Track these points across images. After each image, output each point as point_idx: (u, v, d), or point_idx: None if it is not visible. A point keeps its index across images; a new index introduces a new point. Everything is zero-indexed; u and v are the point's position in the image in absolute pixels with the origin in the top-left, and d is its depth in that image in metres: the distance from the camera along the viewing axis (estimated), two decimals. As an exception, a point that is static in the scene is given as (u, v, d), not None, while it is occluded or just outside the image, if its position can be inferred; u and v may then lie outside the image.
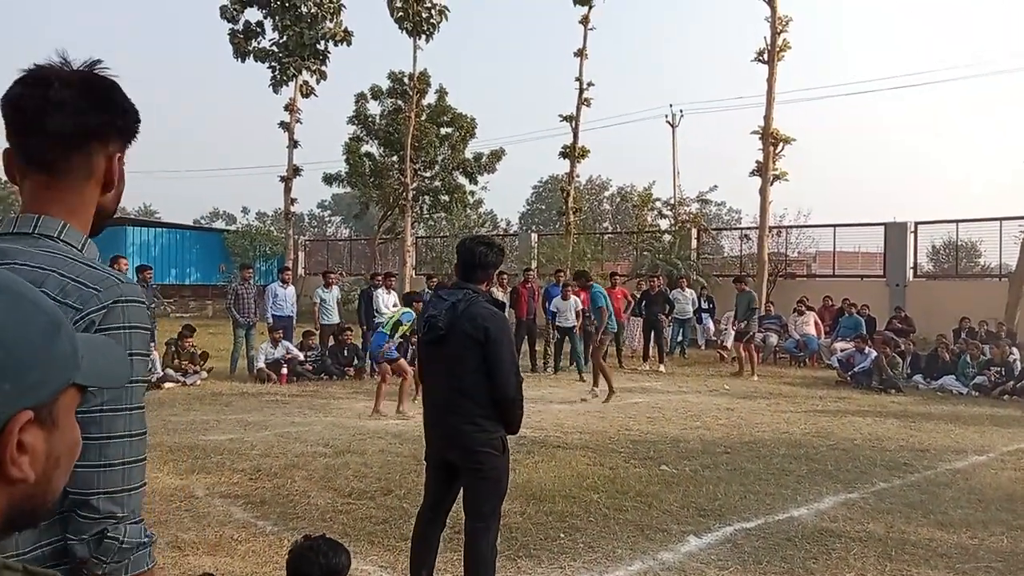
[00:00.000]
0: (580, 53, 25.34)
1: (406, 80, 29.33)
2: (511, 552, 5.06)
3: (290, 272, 15.86)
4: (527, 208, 72.61)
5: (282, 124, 30.38)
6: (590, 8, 25.06)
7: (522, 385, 3.94)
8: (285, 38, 29.25)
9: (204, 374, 12.98)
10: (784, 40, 20.77)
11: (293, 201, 31.38)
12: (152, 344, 12.72)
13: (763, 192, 20.91)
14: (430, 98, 30.87)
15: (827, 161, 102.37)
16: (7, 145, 1.43)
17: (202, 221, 69.51)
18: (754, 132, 21.10)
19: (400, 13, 26.38)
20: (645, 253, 24.24)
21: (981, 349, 14.13)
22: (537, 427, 9.40)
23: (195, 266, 32.45)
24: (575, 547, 5.26)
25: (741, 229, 25.93)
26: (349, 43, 30.08)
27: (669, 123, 33.56)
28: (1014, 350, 13.97)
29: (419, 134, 29.06)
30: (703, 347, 19.39)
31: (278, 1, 28.69)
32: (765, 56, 20.92)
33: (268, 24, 29.61)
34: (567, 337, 15.16)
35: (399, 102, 30.43)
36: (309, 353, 13.80)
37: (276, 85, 29.93)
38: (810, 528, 5.73)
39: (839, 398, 12.64)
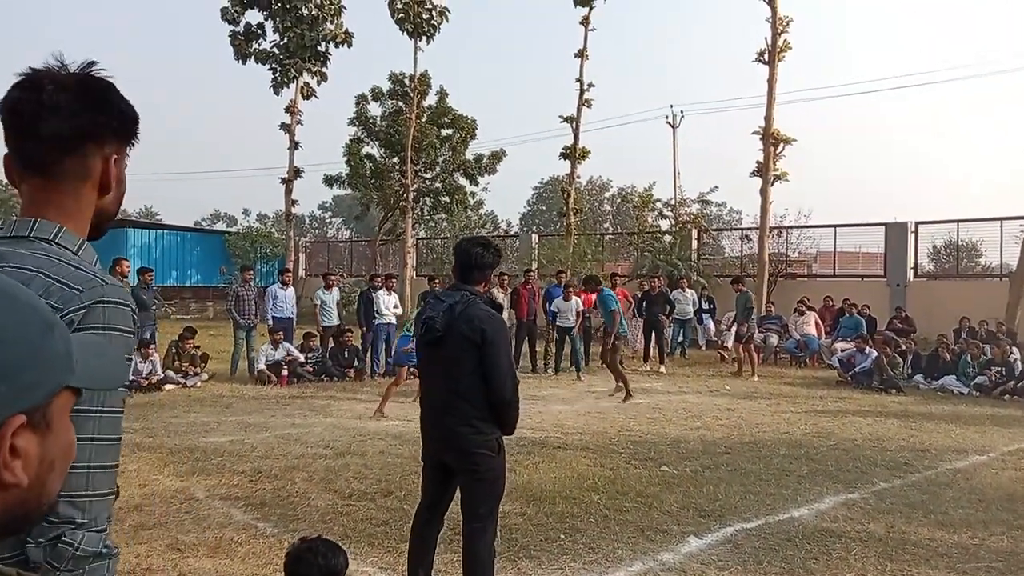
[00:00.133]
0: (580, 54, 25.35)
1: (407, 81, 29.34)
2: (511, 553, 5.06)
3: (290, 274, 15.86)
4: (528, 209, 72.68)
5: (283, 126, 30.39)
6: (590, 9, 25.07)
7: (518, 387, 3.95)
8: (286, 40, 29.26)
9: (205, 376, 12.99)
10: (785, 40, 20.78)
11: (294, 203, 31.39)
12: (153, 346, 12.78)
13: (764, 192, 20.91)
14: (431, 99, 30.89)
15: (828, 161, 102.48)
16: (7, 150, 1.44)
17: (203, 223, 69.54)
18: (755, 132, 21.11)
19: (401, 14, 26.40)
20: (646, 254, 24.24)
21: (982, 349, 14.13)
22: (537, 428, 9.41)
23: (196, 268, 32.49)
24: (575, 548, 5.26)
25: (742, 229, 25.95)
26: (350, 45, 30.10)
27: (670, 124, 33.59)
28: (1014, 350, 13.97)
29: (420, 135, 29.07)
30: (704, 348, 19.39)
31: (279, 3, 28.70)
32: (766, 56, 20.92)
33: (269, 26, 29.64)
34: (567, 338, 15.18)
35: (400, 103, 30.45)
36: (310, 355, 13.80)
37: (277, 87, 29.95)
38: (810, 528, 5.73)
39: (840, 398, 12.64)
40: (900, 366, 14.18)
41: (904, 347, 15.15)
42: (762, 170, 20.83)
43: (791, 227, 23.06)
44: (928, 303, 18.82)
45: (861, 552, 5.24)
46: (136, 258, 25.73)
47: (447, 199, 32.21)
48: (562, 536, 5.47)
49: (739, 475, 7.29)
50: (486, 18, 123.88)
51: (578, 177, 27.70)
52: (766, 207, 21.04)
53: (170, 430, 9.01)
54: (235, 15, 29.41)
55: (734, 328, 15.66)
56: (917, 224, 20.97)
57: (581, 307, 15.15)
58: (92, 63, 1.41)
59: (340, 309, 15.01)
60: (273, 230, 38.21)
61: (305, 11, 28.84)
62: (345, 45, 30.05)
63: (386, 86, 31.08)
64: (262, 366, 13.10)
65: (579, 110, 25.54)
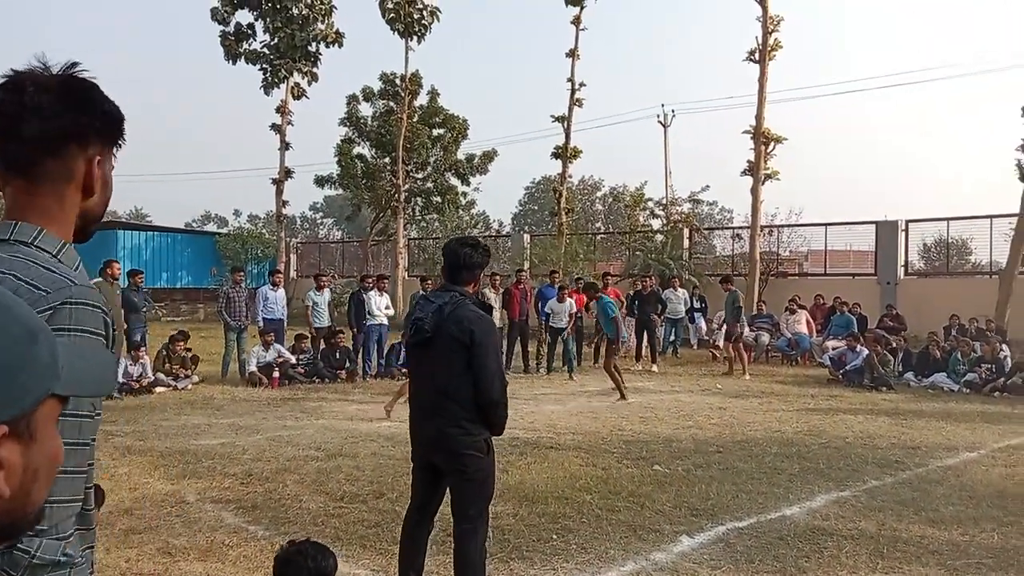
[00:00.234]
0: (572, 54, 25.39)
1: (398, 81, 29.33)
2: (503, 554, 5.06)
3: (281, 275, 15.80)
4: (520, 209, 72.72)
5: (274, 126, 30.33)
6: (581, 8, 25.11)
7: (507, 388, 3.94)
8: (276, 40, 29.20)
9: (195, 378, 12.94)
10: (775, 40, 20.86)
11: (285, 203, 31.33)
12: (144, 348, 12.73)
13: (754, 191, 20.99)
14: (422, 99, 30.90)
15: (819, 160, 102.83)
16: None
17: (193, 224, 69.50)
18: (745, 132, 21.17)
19: (392, 14, 26.40)
20: (637, 253, 24.28)
21: (972, 346, 14.20)
22: (530, 428, 9.40)
23: (186, 269, 32.39)
24: (568, 548, 5.25)
25: (733, 228, 26.02)
26: (340, 45, 30.06)
27: (661, 123, 33.59)
28: (1004, 347, 14.05)
29: (411, 135, 29.06)
30: (695, 347, 19.41)
31: (269, 3, 28.64)
32: (756, 56, 20.99)
33: (259, 26, 29.58)
34: (559, 338, 15.19)
35: (391, 103, 30.44)
36: (301, 356, 13.75)
37: (267, 87, 29.89)
38: (802, 527, 5.74)
39: (831, 396, 12.68)
40: (891, 364, 14.23)
41: (895, 345, 15.21)
42: (753, 169, 20.90)
43: (782, 226, 23.15)
44: (918, 301, 18.90)
45: (853, 550, 5.25)
46: (126, 260, 25.63)
47: (439, 199, 32.21)
48: (555, 536, 5.46)
49: (731, 474, 7.30)
50: (477, 18, 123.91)
51: (570, 177, 27.76)
52: (757, 206, 21.12)
53: (160, 433, 8.97)
54: (225, 15, 29.33)
55: (724, 327, 15.74)
56: (907, 222, 21.07)
57: (574, 308, 15.19)
58: (74, 64, 1.39)
59: (331, 310, 14.97)
60: (264, 231, 38.18)
61: (295, 11, 28.79)
62: (336, 45, 30.01)
63: (377, 86, 31.07)
64: (253, 368, 13.05)
65: (570, 110, 25.58)
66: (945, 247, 23.11)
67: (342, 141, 31.47)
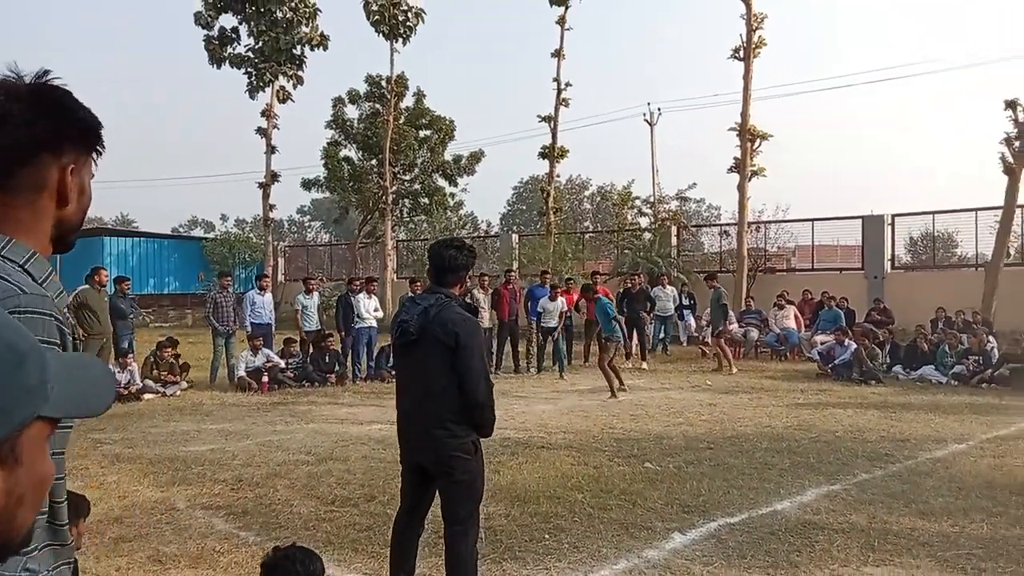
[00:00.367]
0: (557, 53, 25.42)
1: (383, 83, 29.28)
2: (496, 555, 5.05)
3: (268, 279, 15.74)
4: (508, 209, 72.67)
5: (259, 130, 30.21)
6: (566, 8, 25.14)
7: (492, 390, 3.94)
8: (261, 43, 29.09)
9: (184, 384, 12.87)
10: (760, 37, 20.93)
11: (272, 207, 31.22)
12: (131, 355, 12.67)
13: (741, 188, 21.06)
14: (408, 101, 30.84)
15: (805, 156, 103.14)
16: None
17: (180, 229, 69.12)
18: (731, 129, 21.24)
19: (376, 16, 26.36)
20: (626, 251, 24.32)
21: (959, 339, 14.28)
22: (521, 428, 9.40)
23: (174, 275, 32.22)
24: (560, 548, 5.25)
25: (721, 225, 26.09)
26: (325, 47, 29.98)
27: (647, 121, 33.62)
28: (991, 339, 14.14)
29: (397, 137, 29.01)
30: (685, 343, 19.46)
31: (253, 7, 28.54)
32: (741, 53, 21.06)
33: (243, 30, 29.47)
34: (549, 337, 15.20)
35: (377, 105, 30.37)
36: (290, 360, 13.71)
37: (252, 91, 29.78)
38: (793, 521, 5.76)
39: (820, 391, 12.73)
40: (879, 357, 14.30)
41: (881, 337, 15.28)
42: (739, 166, 20.97)
43: (769, 222, 23.25)
44: (906, 294, 19.01)
45: (844, 543, 5.27)
46: (113, 266, 25.46)
47: (426, 201, 32.17)
48: (547, 536, 5.46)
49: (722, 470, 7.32)
50: (462, 19, 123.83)
51: (557, 176, 27.78)
52: (744, 203, 21.19)
53: (149, 440, 8.92)
54: (208, 19, 29.22)
55: (723, 324, 15.87)
56: (894, 216, 21.19)
57: (565, 307, 15.23)
58: (46, 72, 1.37)
59: (320, 313, 14.93)
60: (251, 235, 38.02)
61: (280, 14, 28.70)
62: (321, 48, 29.93)
63: (363, 88, 30.99)
64: (242, 373, 12.99)
65: (557, 109, 25.61)
66: (931, 240, 23.23)
67: (328, 144, 31.38)
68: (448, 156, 32.04)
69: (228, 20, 29.52)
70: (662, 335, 18.50)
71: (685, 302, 19.64)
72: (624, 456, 7.90)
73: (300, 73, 30.04)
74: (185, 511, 6.15)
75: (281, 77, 29.72)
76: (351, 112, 31.65)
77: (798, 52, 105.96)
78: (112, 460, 7.78)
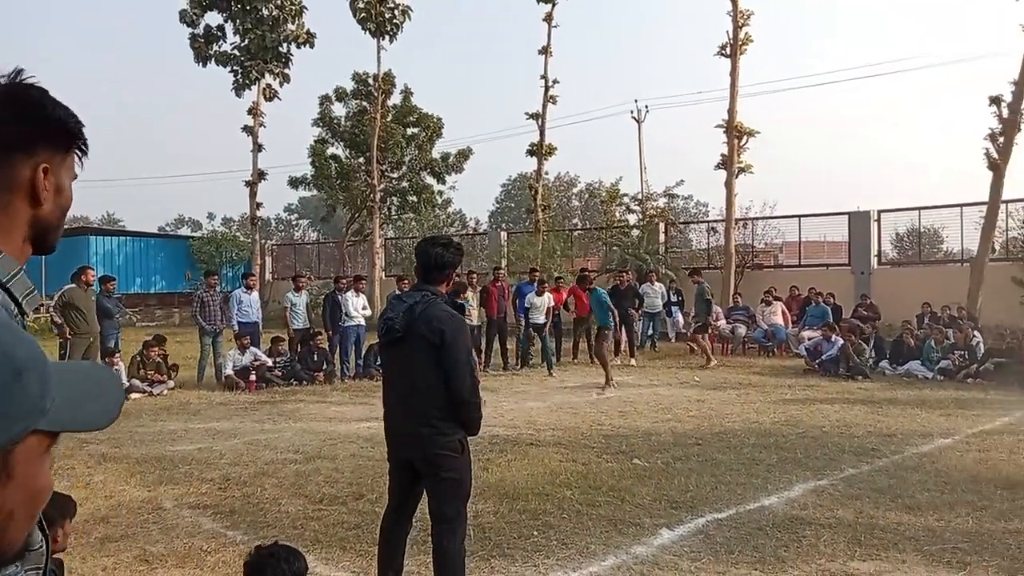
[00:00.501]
0: (545, 51, 25.41)
1: (370, 81, 29.19)
2: (484, 552, 5.05)
3: (255, 278, 15.67)
4: (496, 206, 72.65)
5: (246, 128, 30.08)
6: (553, 5, 25.13)
7: (478, 388, 3.94)
8: (247, 41, 28.97)
9: (171, 383, 12.81)
10: (746, 34, 20.99)
11: (259, 205, 31.10)
12: (118, 354, 12.60)
13: (728, 185, 21.13)
14: (395, 98, 30.77)
15: (791, 153, 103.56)
16: None
17: (167, 228, 68.78)
18: (718, 126, 21.30)
19: (363, 14, 26.26)
20: (614, 248, 24.36)
21: (945, 334, 14.37)
22: (510, 425, 9.41)
23: (160, 274, 32.07)
24: (549, 544, 5.25)
25: (708, 222, 26.16)
26: (312, 45, 29.87)
27: (635, 118, 33.67)
28: (976, 334, 14.23)
29: (385, 135, 28.93)
30: (673, 340, 19.52)
31: (238, 4, 28.40)
32: (728, 50, 21.11)
33: (229, 28, 29.33)
34: (538, 334, 15.20)
35: (364, 103, 30.28)
36: (278, 359, 13.66)
37: (239, 89, 29.65)
38: (781, 516, 5.78)
39: (807, 386, 12.79)
40: (865, 353, 14.38)
41: (866, 332, 15.37)
42: (726, 163, 21.03)
43: (757, 218, 23.33)
44: (892, 290, 19.12)
45: (831, 538, 5.30)
46: (99, 266, 25.29)
47: (414, 198, 32.11)
48: (535, 533, 5.46)
49: (710, 466, 7.34)
50: (449, 16, 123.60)
51: (546, 173, 27.79)
52: (731, 199, 21.26)
53: (136, 440, 8.87)
54: (194, 17, 29.06)
55: (705, 319, 15.94)
56: (880, 212, 21.29)
57: (551, 303, 15.25)
58: (20, 71, 1.35)
59: (309, 312, 14.89)
60: (238, 234, 37.85)
61: (265, 12, 28.57)
62: (307, 46, 29.82)
63: (350, 86, 30.90)
64: (229, 372, 12.94)
65: (544, 107, 25.61)
66: (917, 236, 23.37)
67: (315, 142, 31.29)
68: (436, 154, 32.00)
69: (213, 18, 29.41)
70: (650, 332, 18.54)
71: (673, 299, 19.69)
72: (612, 452, 7.92)
73: (286, 71, 29.94)
74: (172, 510, 6.12)
75: (267, 75, 29.61)
76: (338, 110, 31.59)
77: (785, 49, 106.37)
78: (98, 460, 7.73)
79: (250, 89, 29.63)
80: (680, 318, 19.66)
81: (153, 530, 5.63)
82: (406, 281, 15.52)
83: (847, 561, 4.91)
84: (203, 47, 29.28)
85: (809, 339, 15.45)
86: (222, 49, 29.59)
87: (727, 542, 5.26)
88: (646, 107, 33.64)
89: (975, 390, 12.21)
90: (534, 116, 25.75)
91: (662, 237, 24.07)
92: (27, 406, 0.79)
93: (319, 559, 5.01)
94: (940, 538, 5.29)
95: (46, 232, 1.42)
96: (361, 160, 30.56)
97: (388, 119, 29.51)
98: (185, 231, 62.76)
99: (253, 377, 12.90)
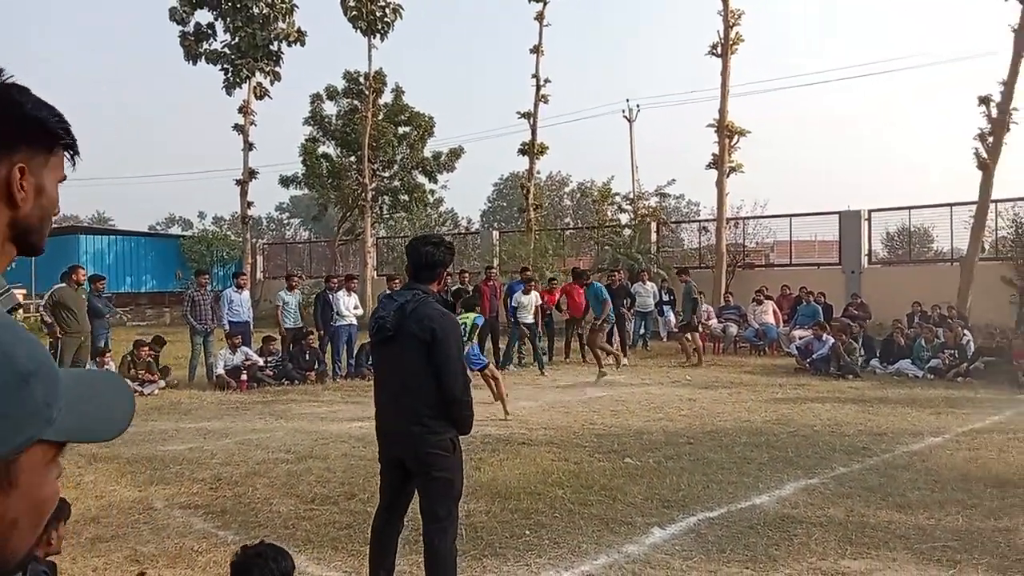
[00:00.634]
0: (536, 50, 25.41)
1: (362, 80, 29.12)
2: (476, 551, 5.05)
3: (245, 277, 15.61)
4: (488, 206, 72.59)
5: (236, 127, 30.00)
6: (544, 5, 25.14)
7: (469, 386, 3.94)
8: (237, 39, 28.90)
9: (162, 383, 12.76)
10: (737, 33, 21.03)
11: (250, 204, 31.03)
12: (109, 353, 12.55)
13: (720, 184, 21.17)
14: (387, 97, 30.72)
15: (782, 152, 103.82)
16: None
17: (158, 227, 68.42)
18: (709, 125, 21.33)
19: (354, 12, 26.20)
20: (606, 248, 24.39)
21: (935, 333, 14.43)
22: (502, 424, 9.41)
23: (151, 273, 31.96)
24: (540, 544, 5.25)
25: (700, 221, 26.21)
26: (303, 43, 29.82)
27: (626, 118, 33.75)
28: (966, 332, 14.29)
29: (376, 134, 28.88)
30: (665, 339, 19.55)
31: (229, 2, 28.32)
32: (719, 50, 21.15)
33: (219, 26, 29.25)
34: (529, 334, 15.20)
35: (355, 102, 30.22)
36: (269, 358, 13.62)
37: (229, 87, 29.59)
38: (772, 515, 5.80)
39: (798, 385, 12.83)
40: (856, 352, 14.43)
41: (855, 330, 15.43)
42: (717, 162, 21.07)
43: (748, 218, 23.39)
44: (882, 289, 19.20)
45: (822, 537, 5.32)
46: (89, 265, 25.12)
47: (406, 197, 32.06)
48: (527, 532, 5.47)
49: (701, 465, 7.36)
50: (441, 14, 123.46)
51: (537, 173, 27.82)
52: (722, 199, 21.31)
53: (127, 439, 8.81)
54: (184, 15, 28.98)
55: (694, 319, 16.00)
56: (870, 212, 21.37)
57: (539, 301, 15.25)
58: (0, 71, 1.34)
59: (301, 311, 14.86)
60: (229, 233, 37.73)
61: (256, 10, 28.51)
62: (298, 44, 29.78)
63: (341, 85, 30.83)
64: (221, 371, 12.91)
65: (536, 106, 25.62)
66: (907, 236, 23.49)
67: (307, 140, 31.21)
68: (428, 153, 31.97)
69: (204, 16, 29.33)
70: (642, 331, 18.58)
71: (665, 298, 19.72)
72: (604, 452, 7.92)
73: (277, 69, 29.89)
74: (163, 510, 6.11)
75: (258, 73, 29.56)
76: (329, 108, 31.52)
77: (776, 48, 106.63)
78: (89, 460, 7.69)
79: (241, 87, 29.58)
80: (672, 317, 19.68)
81: (144, 530, 5.62)
82: (396, 280, 15.48)
83: (838, 559, 4.93)
84: (193, 45, 29.20)
85: (800, 338, 15.49)
86: (212, 47, 29.52)
87: (718, 541, 5.27)
88: (637, 106, 33.76)
89: (965, 389, 12.27)
90: (526, 115, 25.76)
91: (654, 236, 24.12)
92: (33, 414, 0.78)
93: (311, 559, 5.01)
94: (930, 536, 5.32)
95: (27, 234, 1.40)
96: (352, 159, 30.49)
97: (379, 118, 29.46)
98: (176, 230, 62.52)
99: (244, 377, 12.86)
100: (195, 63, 29.41)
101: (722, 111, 21.06)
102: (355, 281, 15.99)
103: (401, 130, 31.17)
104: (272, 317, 14.88)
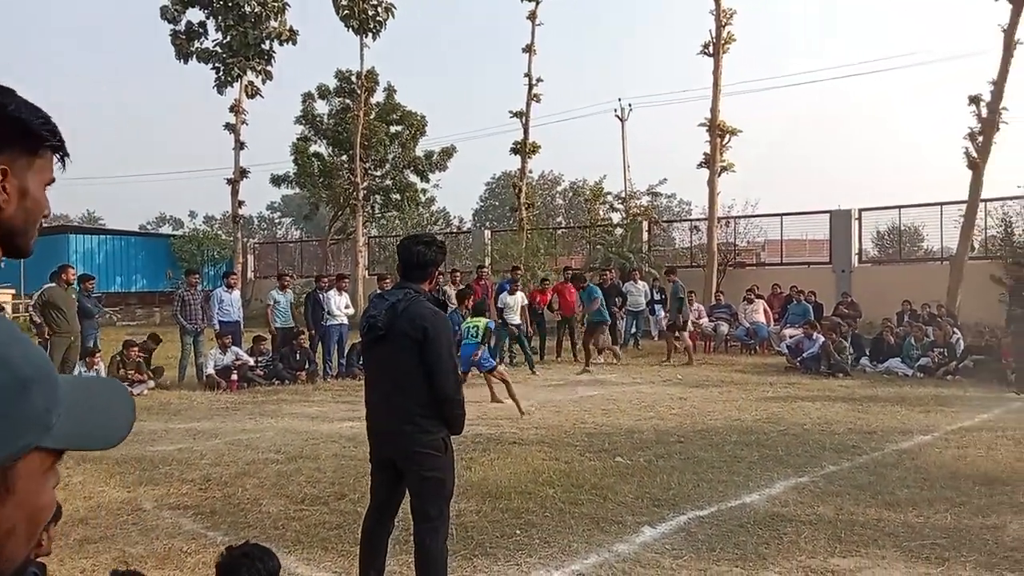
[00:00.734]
0: (528, 49, 25.38)
1: (353, 79, 29.09)
2: (467, 551, 5.04)
3: (236, 276, 15.55)
4: (480, 205, 72.60)
5: (228, 126, 29.90)
6: (537, 4, 25.12)
7: (461, 385, 3.92)
8: (229, 38, 28.81)
9: (151, 383, 12.70)
10: (728, 33, 21.06)
11: (241, 204, 30.93)
12: (98, 354, 12.48)
13: (711, 183, 21.20)
14: (379, 96, 30.67)
15: (773, 151, 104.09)
16: None
17: (148, 226, 68.20)
18: (701, 124, 21.36)
19: (346, 11, 26.15)
20: (598, 247, 24.39)
21: (924, 331, 14.49)
22: (493, 424, 9.40)
23: (141, 273, 31.83)
24: (531, 543, 5.25)
25: (691, 220, 26.27)
26: (294, 42, 29.75)
27: (618, 117, 33.80)
28: (956, 331, 14.35)
29: (368, 133, 28.84)
30: (656, 338, 19.54)
31: (220, 1, 28.22)
32: (710, 49, 21.17)
33: (211, 24, 29.15)
34: (516, 333, 15.18)
35: (347, 101, 30.19)
36: (260, 358, 13.57)
37: (221, 86, 29.49)
38: (762, 513, 5.81)
39: (789, 384, 12.86)
40: (846, 350, 14.48)
41: (844, 331, 15.47)
42: (709, 161, 21.10)
43: (739, 217, 23.43)
44: (873, 288, 19.27)
45: (811, 535, 5.33)
46: (79, 264, 25.02)
47: (398, 196, 32.04)
48: (518, 531, 5.46)
49: (692, 463, 7.36)
50: (433, 14, 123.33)
51: (529, 172, 27.77)
52: (714, 198, 21.34)
53: (116, 440, 8.77)
54: (176, 14, 28.87)
55: (679, 318, 16.07)
56: (861, 211, 21.44)
57: (525, 301, 15.26)
58: None
59: (292, 310, 14.81)
60: (220, 232, 37.60)
61: (248, 9, 28.42)
62: (290, 43, 29.70)
63: (333, 84, 30.79)
64: (211, 371, 12.85)
65: (528, 105, 25.59)
66: (898, 235, 23.58)
67: (298, 139, 31.17)
68: (420, 152, 31.95)
69: (195, 14, 29.22)
70: (633, 330, 18.59)
71: (656, 297, 19.72)
72: (595, 451, 7.92)
73: (269, 68, 29.81)
74: (152, 511, 6.08)
75: (249, 72, 29.46)
76: (321, 107, 31.50)
77: (768, 48, 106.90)
78: (77, 460, 7.64)
79: (232, 86, 29.49)
80: (663, 316, 19.70)
81: (133, 531, 5.59)
82: (387, 280, 15.47)
83: (827, 557, 4.94)
84: (185, 44, 29.09)
85: (791, 337, 15.53)
86: (204, 46, 29.42)
87: (708, 539, 5.27)
88: (629, 106, 33.85)
89: (954, 387, 12.32)
90: (518, 114, 25.73)
91: (645, 235, 24.13)
92: (32, 420, 0.77)
93: (300, 559, 4.99)
94: (919, 534, 5.34)
95: (11, 236, 1.39)
96: (344, 158, 30.45)
97: (371, 117, 29.42)
98: (166, 229, 62.36)
99: (235, 377, 12.82)
100: (186, 62, 29.31)
101: (713, 110, 21.09)
102: (346, 280, 15.95)
103: (393, 129, 31.14)
104: (263, 317, 14.81)
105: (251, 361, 13.32)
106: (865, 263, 21.84)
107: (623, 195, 27.89)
